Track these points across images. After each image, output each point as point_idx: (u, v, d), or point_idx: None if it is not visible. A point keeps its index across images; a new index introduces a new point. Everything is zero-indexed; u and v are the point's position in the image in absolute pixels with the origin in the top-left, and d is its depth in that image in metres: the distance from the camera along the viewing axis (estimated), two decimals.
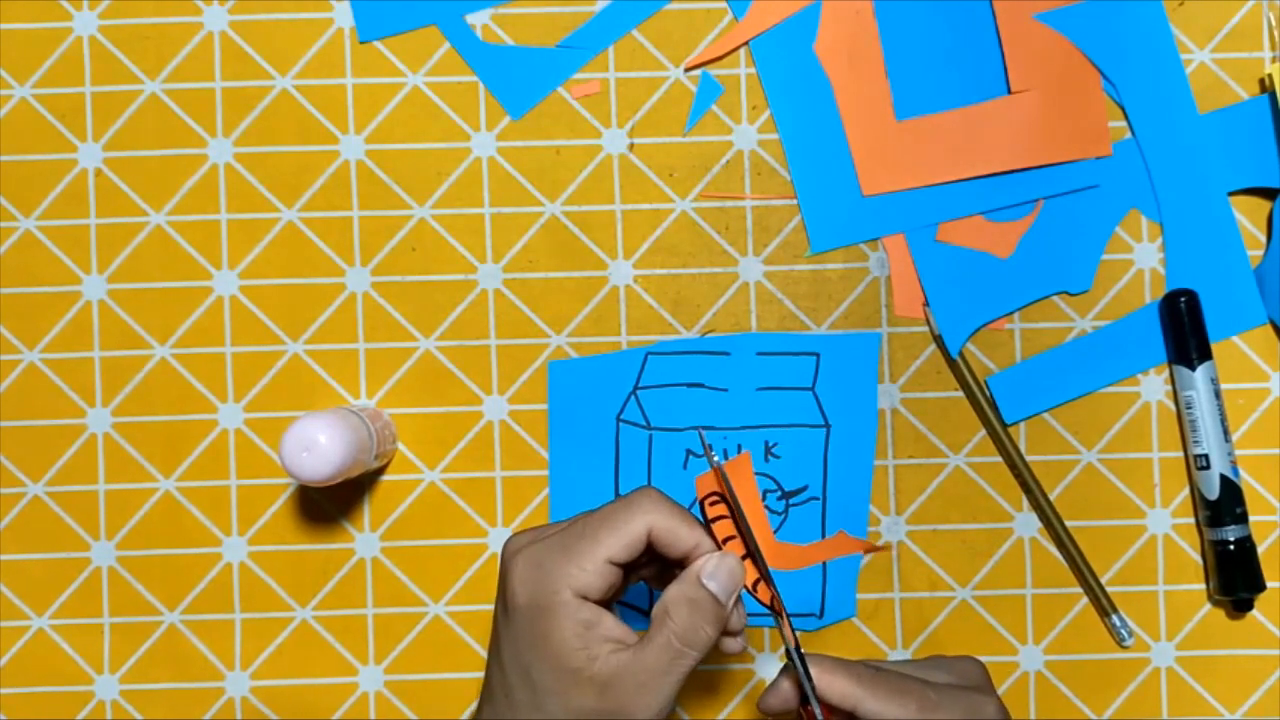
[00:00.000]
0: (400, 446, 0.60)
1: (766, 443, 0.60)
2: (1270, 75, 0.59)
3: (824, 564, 0.60)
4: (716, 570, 0.47)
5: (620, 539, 0.46)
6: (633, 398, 0.60)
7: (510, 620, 0.47)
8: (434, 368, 0.60)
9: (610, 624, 0.46)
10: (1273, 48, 0.60)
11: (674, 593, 0.47)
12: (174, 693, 0.60)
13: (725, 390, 0.60)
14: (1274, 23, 0.60)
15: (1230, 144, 0.59)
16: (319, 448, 0.52)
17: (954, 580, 0.60)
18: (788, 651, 0.48)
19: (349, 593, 0.60)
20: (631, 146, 0.60)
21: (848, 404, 0.60)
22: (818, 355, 0.60)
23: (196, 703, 0.60)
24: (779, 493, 0.60)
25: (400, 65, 0.60)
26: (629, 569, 0.48)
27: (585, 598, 0.46)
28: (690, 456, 0.60)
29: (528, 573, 0.46)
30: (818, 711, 0.47)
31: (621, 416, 0.60)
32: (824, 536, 0.60)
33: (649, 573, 0.51)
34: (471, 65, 0.60)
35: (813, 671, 0.48)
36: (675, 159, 0.60)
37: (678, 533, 0.47)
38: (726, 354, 0.60)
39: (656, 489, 0.48)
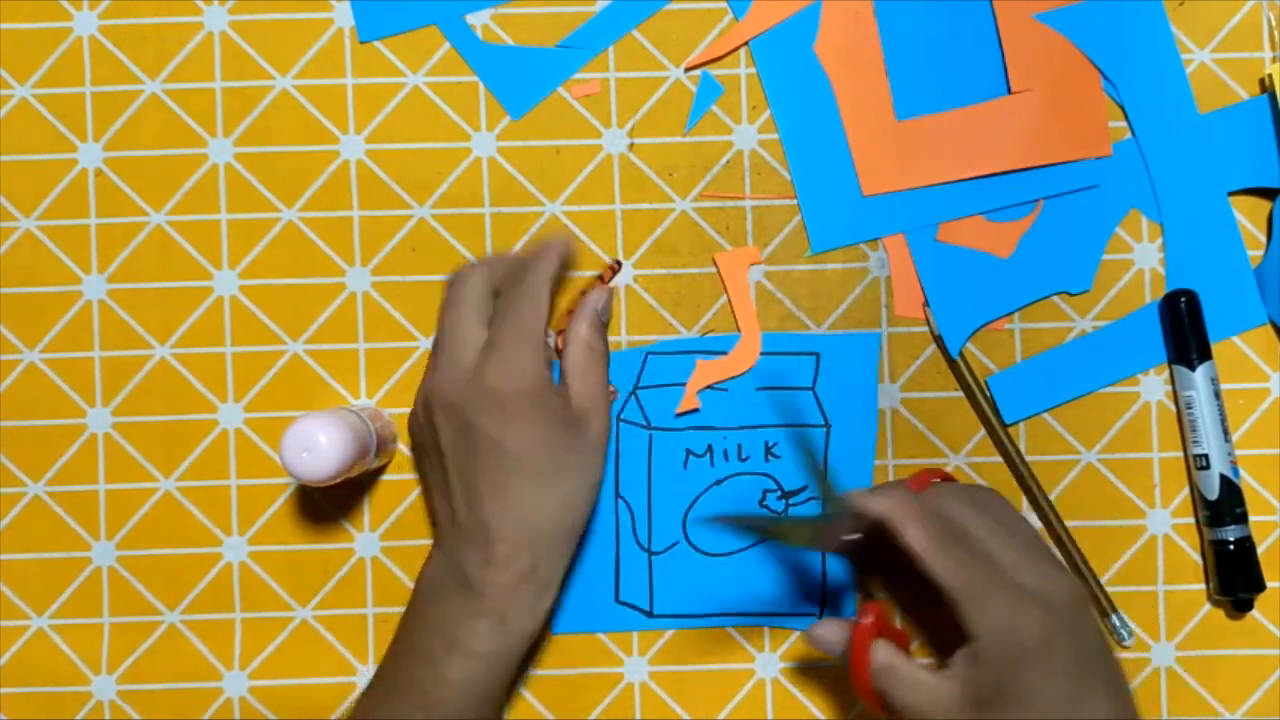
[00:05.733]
0: (400, 446, 0.60)
1: (766, 443, 0.59)
2: (1270, 75, 0.59)
3: (823, 565, 0.60)
4: (603, 308, 0.57)
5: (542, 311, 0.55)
6: (633, 397, 0.60)
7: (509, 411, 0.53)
8: None
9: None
10: (1273, 48, 0.60)
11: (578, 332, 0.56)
12: (173, 693, 0.60)
13: (725, 390, 0.59)
14: (1274, 23, 0.60)
15: (1230, 144, 0.59)
16: (319, 448, 0.52)
17: None
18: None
19: (349, 593, 0.60)
20: (631, 146, 0.60)
21: (848, 404, 0.60)
22: (818, 355, 0.60)
23: (196, 703, 0.60)
24: (779, 492, 0.60)
25: (400, 65, 0.60)
26: None
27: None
28: (690, 456, 0.60)
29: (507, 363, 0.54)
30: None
31: (621, 416, 0.60)
32: None
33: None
34: (471, 65, 0.60)
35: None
36: (675, 159, 0.60)
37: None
38: (726, 354, 0.60)
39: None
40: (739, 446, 0.59)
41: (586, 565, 0.60)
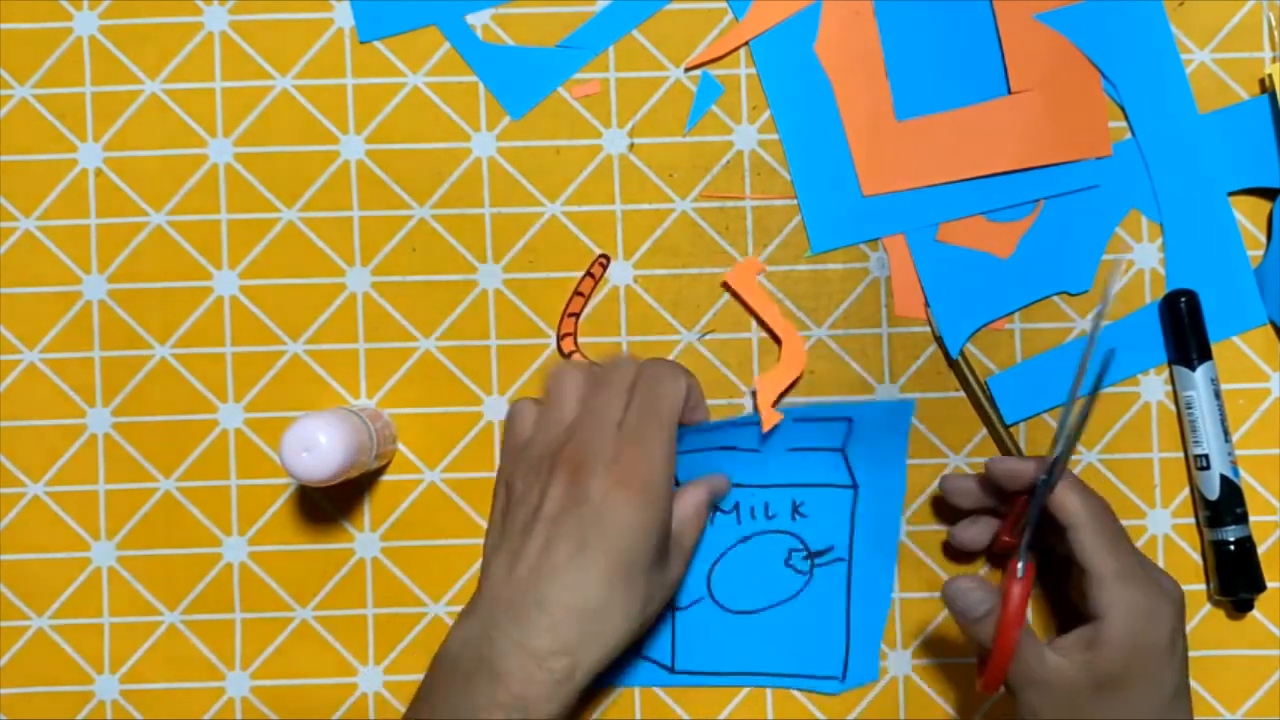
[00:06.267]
0: (400, 446, 0.60)
1: (794, 501, 0.59)
2: (1270, 75, 0.59)
3: (848, 627, 0.59)
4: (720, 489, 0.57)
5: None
6: None
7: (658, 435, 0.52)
8: (434, 368, 0.60)
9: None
10: (1273, 48, 0.60)
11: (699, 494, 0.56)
12: (174, 693, 0.60)
13: (756, 451, 0.58)
14: (1274, 23, 0.60)
15: (1230, 144, 0.59)
16: (319, 448, 0.52)
17: None
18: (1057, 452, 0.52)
19: (349, 593, 0.60)
20: (631, 146, 0.60)
21: (877, 467, 0.58)
22: (849, 420, 0.58)
23: (196, 703, 0.60)
24: (804, 552, 0.59)
25: (400, 65, 0.60)
26: None
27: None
28: (717, 513, 0.59)
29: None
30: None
31: None
32: (848, 596, 0.59)
33: None
34: (471, 65, 0.60)
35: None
36: (675, 159, 0.60)
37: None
38: (758, 423, 0.57)
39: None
40: (766, 505, 0.59)
41: None
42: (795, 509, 0.59)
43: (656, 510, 0.51)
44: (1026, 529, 0.52)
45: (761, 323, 0.59)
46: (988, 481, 0.56)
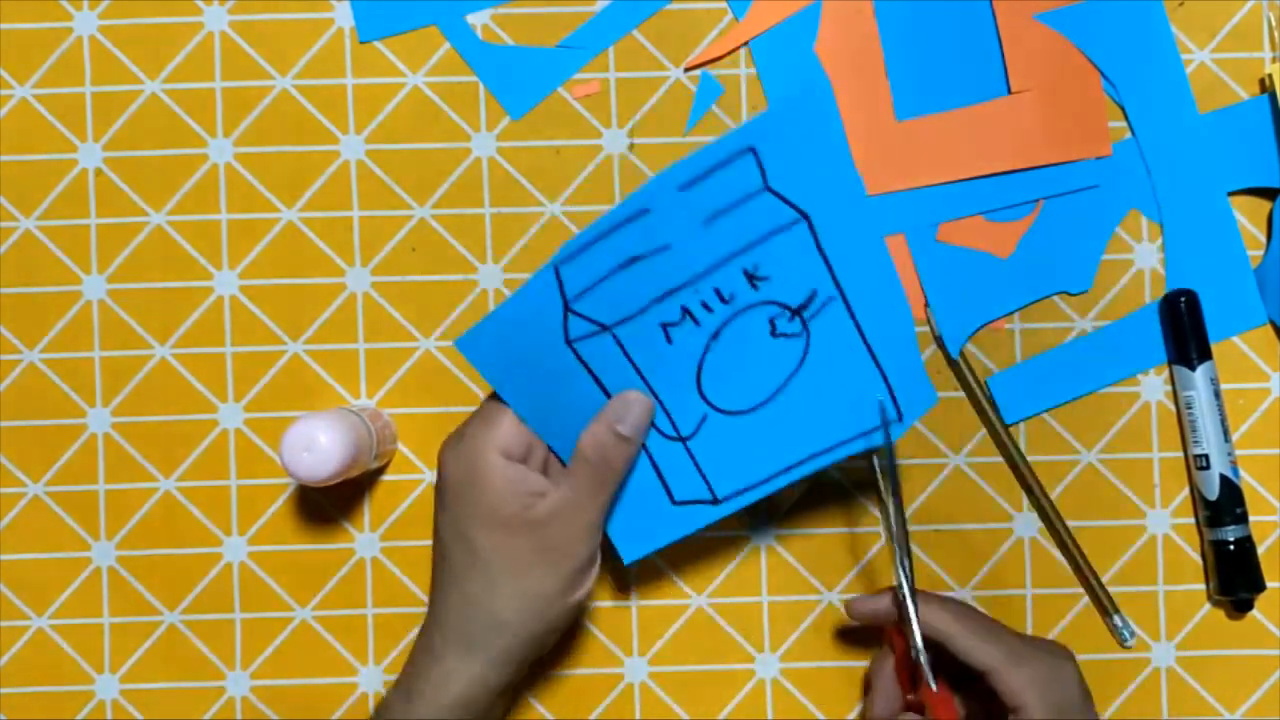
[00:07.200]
0: (400, 446, 0.60)
1: (745, 270, 0.51)
2: (1270, 75, 0.59)
3: (876, 362, 0.52)
4: (625, 414, 0.52)
5: None
6: (570, 315, 0.51)
7: (446, 500, 0.51)
8: (434, 368, 0.60)
9: (534, 479, 0.51)
10: (1273, 48, 0.60)
11: (588, 438, 0.51)
12: (174, 693, 0.60)
13: (668, 247, 0.50)
14: (1274, 23, 0.60)
15: (1230, 144, 0.59)
16: (319, 448, 0.52)
17: (954, 580, 0.60)
18: (899, 581, 0.52)
19: (349, 593, 0.60)
20: (631, 146, 0.60)
21: (817, 182, 0.49)
22: (754, 150, 0.49)
23: (196, 703, 0.60)
24: (787, 314, 0.52)
25: (400, 65, 0.60)
26: None
27: (509, 456, 0.51)
28: (668, 328, 0.51)
29: (455, 450, 0.51)
30: (917, 639, 0.52)
31: (571, 340, 0.51)
32: (860, 332, 0.52)
33: None
34: (471, 65, 0.60)
35: (916, 602, 0.52)
36: (675, 159, 0.60)
37: None
38: (647, 211, 0.49)
39: None
40: (716, 290, 0.51)
41: (627, 482, 0.54)
42: (751, 277, 0.51)
43: (450, 503, 0.51)
44: (918, 654, 0.52)
45: None
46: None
